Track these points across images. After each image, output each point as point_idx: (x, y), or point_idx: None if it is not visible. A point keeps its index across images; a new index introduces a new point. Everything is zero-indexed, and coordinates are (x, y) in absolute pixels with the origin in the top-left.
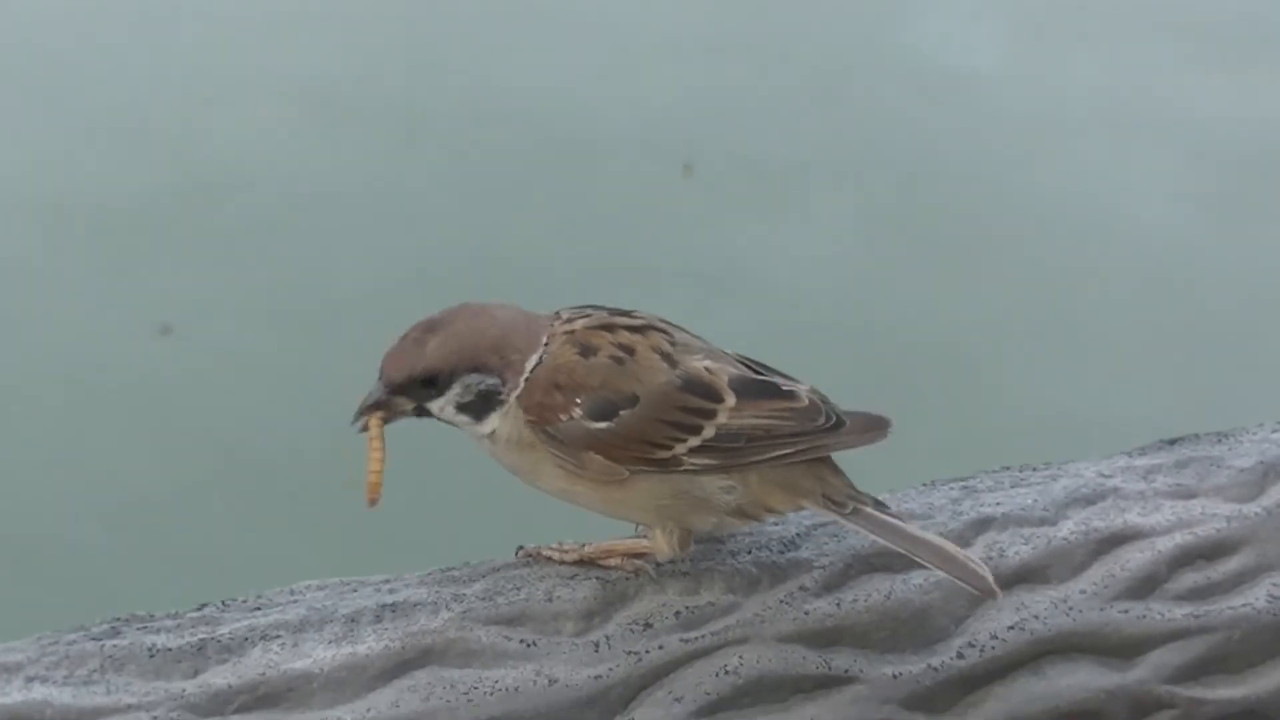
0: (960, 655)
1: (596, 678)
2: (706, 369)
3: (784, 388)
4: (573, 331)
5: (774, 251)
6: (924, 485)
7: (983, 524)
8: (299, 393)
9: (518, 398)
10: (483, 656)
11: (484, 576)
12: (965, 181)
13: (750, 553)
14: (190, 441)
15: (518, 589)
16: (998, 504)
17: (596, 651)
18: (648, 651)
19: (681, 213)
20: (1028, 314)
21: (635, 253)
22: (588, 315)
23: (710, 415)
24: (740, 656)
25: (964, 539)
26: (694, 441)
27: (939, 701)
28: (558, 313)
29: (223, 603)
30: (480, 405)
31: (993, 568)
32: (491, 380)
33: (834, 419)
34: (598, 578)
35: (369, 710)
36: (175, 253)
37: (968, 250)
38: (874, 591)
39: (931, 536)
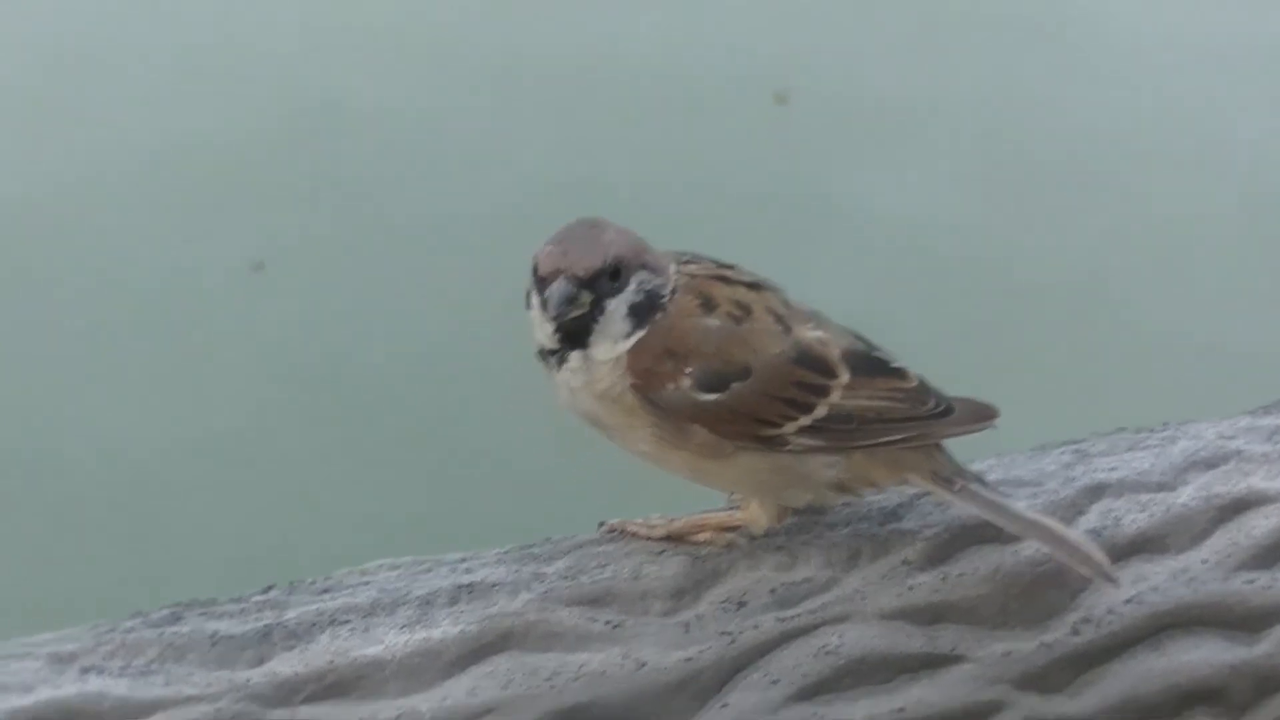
0: (1075, 631)
1: (687, 660)
2: (819, 340)
3: (893, 365)
4: (694, 277)
5: (871, 187)
6: (1034, 449)
7: (1097, 491)
8: (391, 333)
9: (628, 356)
10: (566, 640)
11: (566, 554)
12: (1068, 119)
13: (849, 525)
14: (271, 389)
15: (602, 567)
16: (1112, 469)
17: (687, 632)
18: (741, 632)
19: (775, 144)
20: (1134, 257)
21: (727, 185)
22: (698, 261)
23: (823, 392)
24: (840, 635)
25: (1077, 507)
26: (804, 421)
27: (1053, 680)
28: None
29: (289, 585)
30: (644, 308)
31: (1108, 537)
32: (659, 280)
33: (943, 405)
34: (687, 554)
35: (445, 699)
36: (268, 190)
37: (1072, 190)
38: (981, 565)
39: (1044, 518)
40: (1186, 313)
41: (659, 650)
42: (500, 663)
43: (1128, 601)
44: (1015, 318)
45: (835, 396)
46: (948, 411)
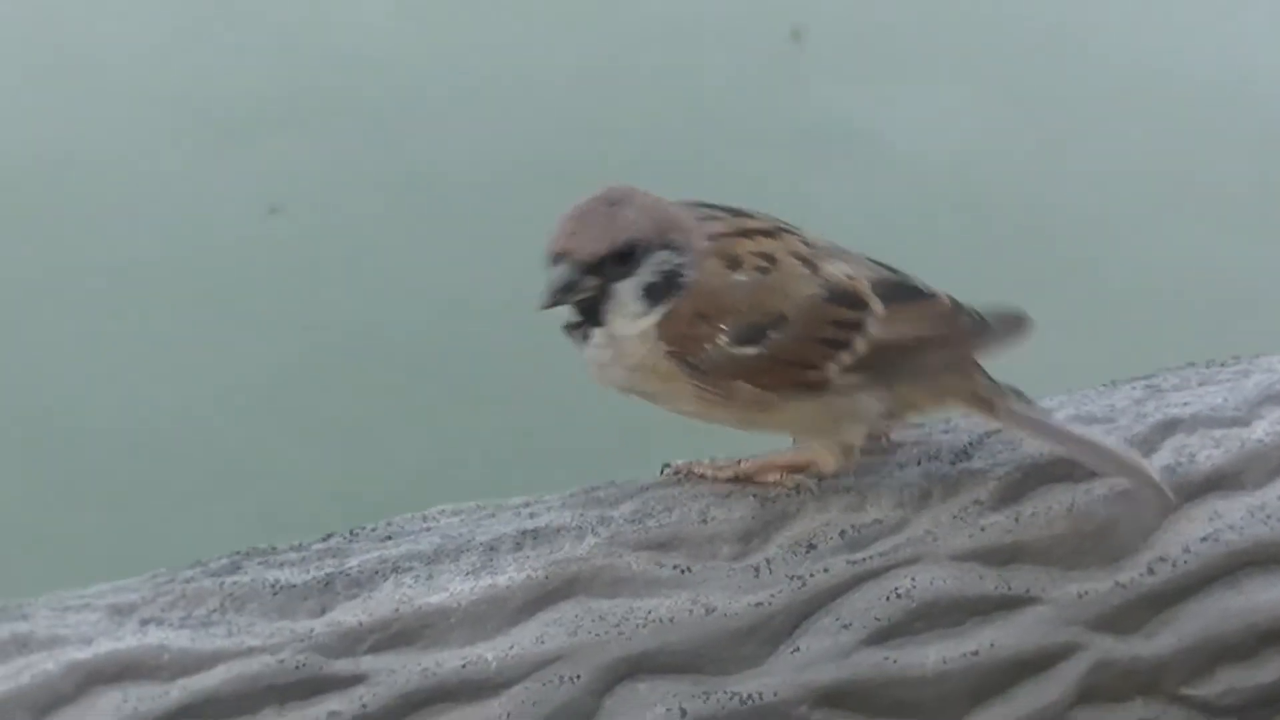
0: (1150, 571)
1: (757, 605)
2: (847, 275)
3: (925, 290)
4: (714, 238)
5: (888, 122)
6: (1104, 385)
7: (1169, 426)
8: (412, 277)
9: (658, 326)
10: (633, 585)
11: (631, 497)
12: (1088, 52)
13: (919, 464)
14: (299, 331)
15: (669, 510)
16: (1185, 404)
17: (756, 576)
18: (812, 575)
19: (792, 80)
20: (1163, 186)
21: (745, 121)
22: (716, 217)
23: (859, 327)
24: (912, 578)
25: (1150, 443)
26: (846, 359)
27: (1128, 621)
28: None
29: (350, 532)
30: (661, 289)
31: (1183, 474)
32: (680, 259)
33: (978, 321)
34: (755, 495)
35: (512, 647)
36: (285, 134)
37: (1098, 119)
38: (1054, 504)
39: (1088, 431)
40: (1227, 248)
41: (728, 595)
42: (567, 609)
43: (1204, 540)
44: (1050, 251)
45: (873, 329)
46: (985, 327)
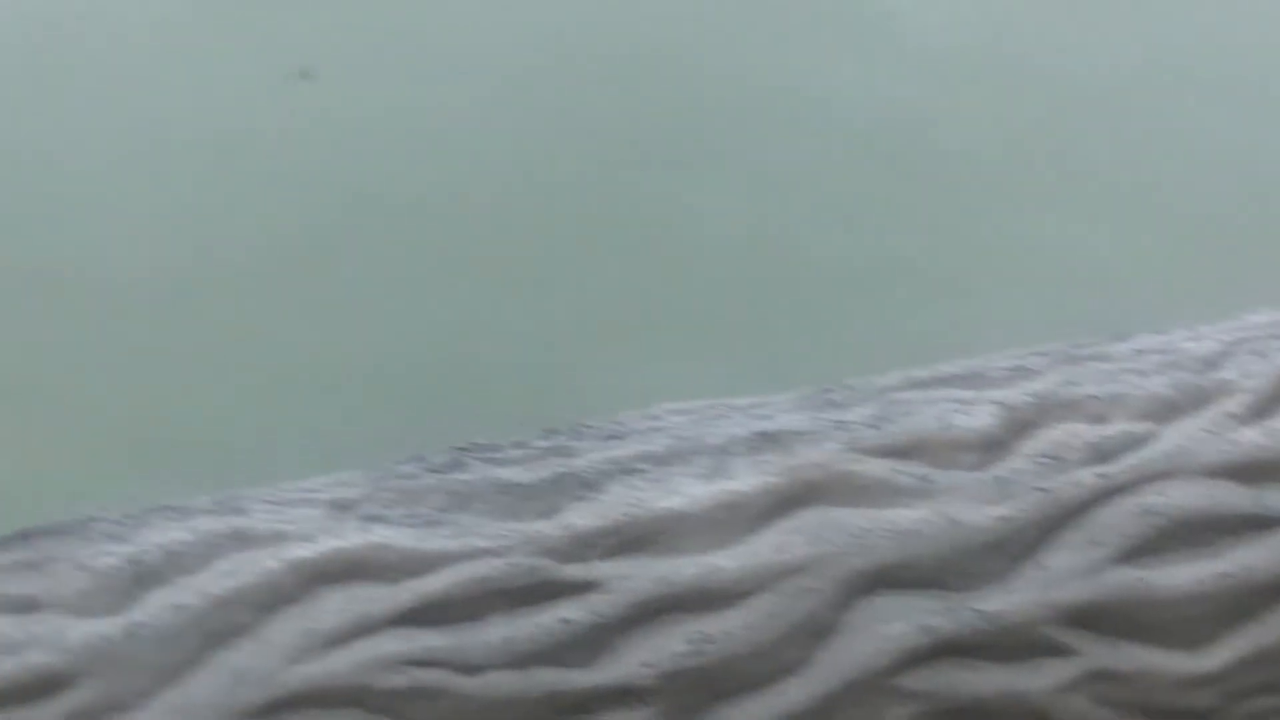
0: None
1: (1002, 518)
2: None
3: None
4: None
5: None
6: None
7: None
8: (450, 146)
9: None
10: (874, 494)
11: (868, 400)
12: None
13: (1164, 373)
14: (345, 196)
15: (907, 415)
16: None
17: (1001, 488)
18: (1059, 488)
19: None
20: (1199, 63)
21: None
22: None
23: None
24: (1163, 494)
25: None
26: None
27: None
28: None
29: (573, 430)
30: None
31: None
32: None
33: None
34: (994, 402)
35: (752, 556)
36: None
37: None
38: None
39: None
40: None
41: (972, 506)
42: (807, 518)
43: None
44: (1077, 130)
45: None
46: None
